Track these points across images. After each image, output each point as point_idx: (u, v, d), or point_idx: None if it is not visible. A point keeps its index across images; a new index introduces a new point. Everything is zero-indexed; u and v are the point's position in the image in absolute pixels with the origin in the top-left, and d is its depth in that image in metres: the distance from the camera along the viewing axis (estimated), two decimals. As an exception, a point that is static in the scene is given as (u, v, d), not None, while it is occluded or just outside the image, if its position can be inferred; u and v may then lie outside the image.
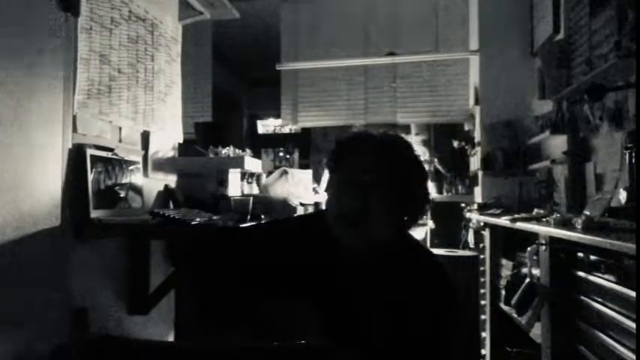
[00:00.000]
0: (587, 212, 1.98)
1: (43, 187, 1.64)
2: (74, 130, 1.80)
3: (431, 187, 3.78)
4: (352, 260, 1.06)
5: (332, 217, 1.05)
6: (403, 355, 0.97)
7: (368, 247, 1.04)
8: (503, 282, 2.79)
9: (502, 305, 2.75)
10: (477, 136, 3.65)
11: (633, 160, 1.89)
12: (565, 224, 1.88)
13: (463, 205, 3.73)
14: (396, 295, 1.00)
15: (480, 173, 3.55)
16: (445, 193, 4.28)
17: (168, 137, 2.51)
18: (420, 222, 3.38)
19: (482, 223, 3.23)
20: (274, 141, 7.01)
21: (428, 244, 3.52)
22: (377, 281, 1.03)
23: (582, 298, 1.72)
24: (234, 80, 6.35)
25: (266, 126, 7.27)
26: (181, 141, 2.64)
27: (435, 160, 4.29)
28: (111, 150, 2.00)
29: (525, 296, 2.24)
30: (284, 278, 1.08)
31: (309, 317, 1.04)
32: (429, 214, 3.69)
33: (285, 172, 2.86)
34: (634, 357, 1.35)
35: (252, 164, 2.89)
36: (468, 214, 3.55)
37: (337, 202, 1.05)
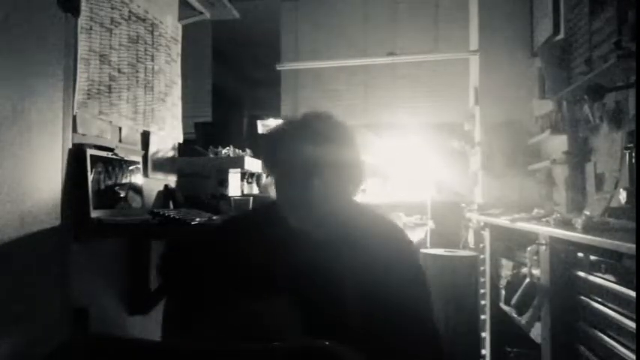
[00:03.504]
0: (587, 212, 1.98)
1: (43, 187, 1.64)
2: (74, 130, 1.80)
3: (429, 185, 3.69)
4: (309, 240, 1.11)
5: (280, 207, 1.14)
6: (388, 319, 1.01)
7: (319, 224, 1.11)
8: (503, 282, 2.79)
9: (502, 305, 2.75)
10: (477, 136, 3.65)
11: (633, 160, 1.89)
12: (565, 224, 1.88)
13: (463, 205, 3.73)
14: (359, 261, 1.06)
15: (479, 173, 3.55)
16: (445, 193, 4.28)
17: (168, 137, 2.51)
18: (421, 222, 3.38)
19: (482, 223, 3.23)
20: (274, 141, 7.00)
21: (428, 244, 3.52)
22: (338, 253, 1.08)
23: (582, 298, 1.72)
24: (234, 80, 6.35)
25: (266, 126, 7.25)
26: (181, 141, 2.64)
27: None
28: (111, 150, 2.00)
29: (525, 296, 2.24)
30: (251, 273, 1.10)
31: (282, 307, 1.07)
32: (429, 213, 3.68)
33: (285, 172, 2.86)
34: (634, 357, 1.35)
35: (252, 164, 2.89)
36: (468, 214, 3.55)
37: (280, 193, 1.14)
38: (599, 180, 2.35)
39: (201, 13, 2.85)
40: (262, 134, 1.27)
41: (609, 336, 1.52)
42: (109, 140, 2.03)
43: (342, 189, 1.13)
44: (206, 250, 1.24)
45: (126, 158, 2.09)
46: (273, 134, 1.19)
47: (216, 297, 1.09)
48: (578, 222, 1.72)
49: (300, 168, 1.08)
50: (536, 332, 2.09)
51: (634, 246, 1.22)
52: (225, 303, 1.06)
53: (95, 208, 1.84)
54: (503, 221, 2.51)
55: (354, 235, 1.10)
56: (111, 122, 2.03)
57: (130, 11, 2.16)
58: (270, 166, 1.17)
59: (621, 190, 1.93)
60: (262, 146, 1.21)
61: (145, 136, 2.30)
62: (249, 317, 1.04)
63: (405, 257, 1.12)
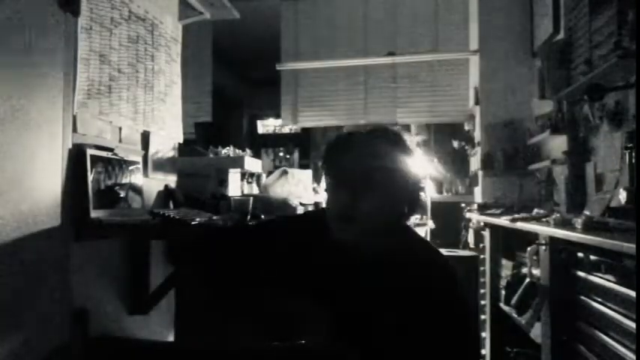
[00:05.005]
0: (587, 212, 1.98)
1: (43, 187, 1.64)
2: (74, 130, 1.80)
3: (429, 185, 3.71)
4: (349, 256, 1.09)
5: (329, 215, 1.10)
6: (408, 350, 0.98)
7: (363, 243, 1.07)
8: (503, 282, 2.80)
9: (502, 305, 2.75)
10: (477, 136, 3.66)
11: (633, 160, 1.89)
12: (565, 224, 1.88)
13: (463, 205, 3.73)
14: (395, 289, 1.01)
15: (479, 173, 3.56)
16: (445, 193, 4.29)
17: (168, 137, 2.51)
18: (420, 222, 3.37)
19: (482, 223, 3.23)
20: (274, 141, 7.02)
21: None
22: (375, 275, 1.05)
23: (582, 298, 1.72)
24: (234, 80, 6.35)
25: (266, 126, 7.27)
26: (181, 141, 2.64)
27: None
28: (111, 150, 2.00)
29: (525, 296, 2.24)
30: (285, 276, 1.10)
31: (310, 315, 1.06)
32: (428, 213, 3.68)
33: (285, 172, 2.86)
34: (634, 357, 1.35)
35: (252, 164, 2.89)
36: (468, 214, 3.55)
37: (331, 202, 1.10)
38: (599, 180, 2.35)
39: (201, 13, 2.85)
40: (328, 142, 1.20)
41: (609, 336, 1.52)
42: (109, 140, 2.03)
43: (392, 209, 1.09)
44: (243, 245, 1.23)
45: (126, 158, 2.09)
46: (337, 141, 1.15)
47: (247, 293, 1.09)
48: (578, 222, 1.72)
49: (354, 180, 1.05)
50: (536, 332, 2.09)
51: (634, 246, 1.22)
52: (255, 300, 1.06)
53: (95, 208, 1.84)
54: (503, 221, 2.51)
55: (392, 257, 1.05)
56: (111, 122, 2.03)
57: (129, 11, 2.15)
58: (327, 172, 1.14)
59: (621, 190, 1.93)
60: (324, 151, 1.16)
61: (145, 136, 2.30)
62: (275, 316, 1.04)
63: (442, 291, 1.03)
